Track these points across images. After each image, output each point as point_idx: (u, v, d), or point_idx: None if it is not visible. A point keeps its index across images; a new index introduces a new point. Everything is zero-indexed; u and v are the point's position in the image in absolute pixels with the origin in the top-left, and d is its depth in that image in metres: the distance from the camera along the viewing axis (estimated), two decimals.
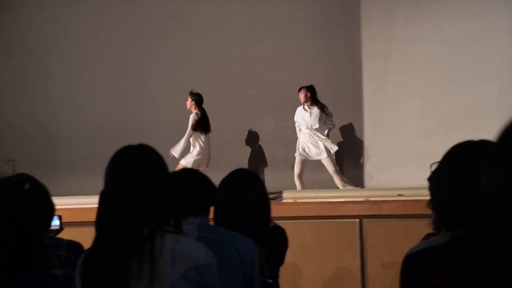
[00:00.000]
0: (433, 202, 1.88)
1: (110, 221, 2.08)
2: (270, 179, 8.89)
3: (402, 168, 8.71)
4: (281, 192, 7.26)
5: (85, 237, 4.60)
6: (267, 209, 3.22)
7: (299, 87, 8.47)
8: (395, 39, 9.07)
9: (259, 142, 9.60)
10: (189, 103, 8.38)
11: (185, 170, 2.89)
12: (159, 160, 2.15)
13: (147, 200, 2.06)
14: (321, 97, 8.74)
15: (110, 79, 9.79)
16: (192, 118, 8.23)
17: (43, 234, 2.17)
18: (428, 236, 2.33)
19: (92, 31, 9.99)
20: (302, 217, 6.75)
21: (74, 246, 2.83)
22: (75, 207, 7.20)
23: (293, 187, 8.82)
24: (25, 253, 2.05)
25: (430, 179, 1.90)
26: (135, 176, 2.08)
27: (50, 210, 2.80)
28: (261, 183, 3.33)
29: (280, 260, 3.28)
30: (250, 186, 3.14)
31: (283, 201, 7.11)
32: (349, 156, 9.38)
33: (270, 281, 3.13)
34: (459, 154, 1.83)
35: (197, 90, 8.49)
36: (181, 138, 8.40)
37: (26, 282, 2.04)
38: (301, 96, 8.46)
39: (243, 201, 3.04)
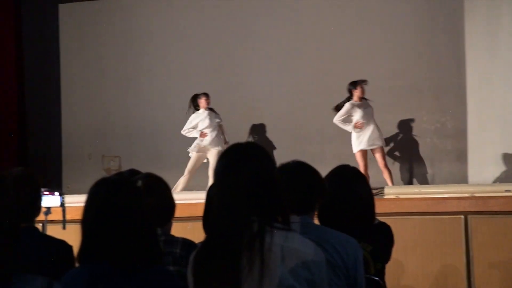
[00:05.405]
0: None
1: (219, 218, 2.11)
2: (370, 175, 8.79)
3: (508, 163, 8.40)
4: (382, 188, 7.17)
5: (188, 232, 4.70)
6: (372, 205, 3.19)
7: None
8: (501, 31, 8.75)
9: None
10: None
11: (295, 163, 2.73)
12: (266, 157, 2.17)
13: (256, 197, 2.08)
14: (423, 91, 8.58)
15: (210, 76, 9.95)
16: None
17: (156, 230, 2.23)
18: None
19: (193, 30, 10.19)
20: (405, 213, 6.63)
21: (189, 245, 2.83)
22: (178, 202, 7.35)
23: (395, 183, 8.68)
24: (140, 249, 2.12)
25: None
26: (244, 173, 2.10)
27: (168, 207, 2.88)
28: (365, 179, 3.31)
29: (386, 257, 3.23)
30: (355, 182, 3.12)
31: (385, 197, 7.02)
32: (453, 150, 9.13)
33: (376, 278, 3.09)
34: None
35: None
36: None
37: (142, 276, 2.11)
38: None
39: (349, 197, 3.03)
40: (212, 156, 8.78)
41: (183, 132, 8.96)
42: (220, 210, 2.10)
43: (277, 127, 9.71)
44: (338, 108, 8.41)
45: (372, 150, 8.32)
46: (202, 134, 8.83)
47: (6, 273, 1.61)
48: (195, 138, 8.97)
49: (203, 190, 8.37)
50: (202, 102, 8.93)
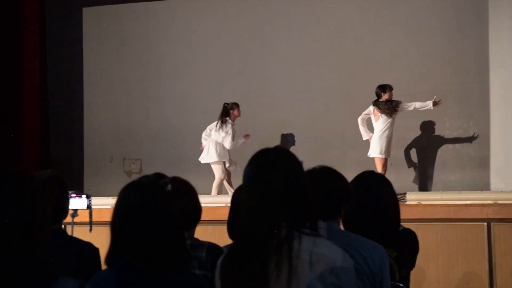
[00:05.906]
0: None
1: (248, 222, 2.10)
2: (391, 181, 8.73)
3: None
4: (404, 194, 7.13)
5: (210, 235, 4.71)
6: (398, 212, 3.17)
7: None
8: None
9: None
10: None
11: (322, 168, 2.73)
12: (295, 162, 2.16)
13: (285, 202, 2.08)
14: (446, 96, 8.55)
15: (231, 81, 9.97)
16: None
17: (184, 234, 2.24)
18: None
19: (214, 34, 10.22)
20: (427, 219, 6.60)
21: (214, 249, 2.82)
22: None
23: (415, 189, 8.64)
24: (169, 253, 2.13)
25: None
26: (273, 178, 2.09)
27: (195, 210, 2.89)
28: (390, 185, 3.28)
29: (411, 263, 3.20)
30: (381, 188, 3.10)
31: (407, 203, 6.98)
32: (475, 156, 9.06)
33: (401, 285, 3.07)
34: None
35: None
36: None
37: (170, 280, 2.12)
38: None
39: (375, 203, 3.01)
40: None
41: (231, 144, 8.73)
42: (249, 214, 2.10)
43: (298, 132, 9.71)
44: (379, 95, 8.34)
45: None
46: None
47: (47, 276, 1.62)
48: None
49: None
50: (235, 112, 8.86)
